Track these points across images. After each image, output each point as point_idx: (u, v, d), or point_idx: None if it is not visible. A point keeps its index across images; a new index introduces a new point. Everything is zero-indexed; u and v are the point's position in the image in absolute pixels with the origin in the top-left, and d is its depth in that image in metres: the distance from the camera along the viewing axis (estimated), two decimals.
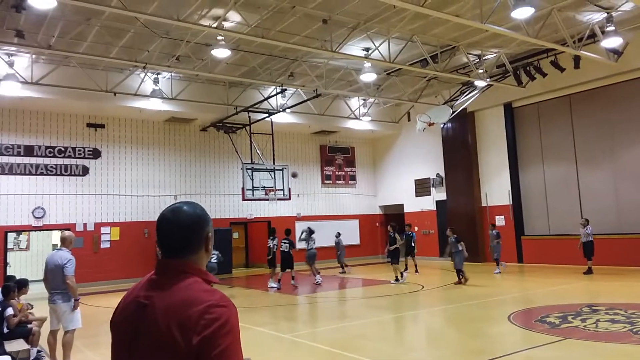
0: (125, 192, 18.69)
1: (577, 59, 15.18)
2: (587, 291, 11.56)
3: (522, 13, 11.17)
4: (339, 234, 19.29)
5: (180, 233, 1.65)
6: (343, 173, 24.43)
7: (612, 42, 13.66)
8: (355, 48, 15.24)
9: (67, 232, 7.02)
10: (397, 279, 14.53)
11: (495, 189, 19.75)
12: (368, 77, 16.69)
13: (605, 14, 13.22)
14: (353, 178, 24.75)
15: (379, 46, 14.51)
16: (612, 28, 13.18)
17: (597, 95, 16.84)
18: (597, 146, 16.87)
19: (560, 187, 17.84)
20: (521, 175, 19.16)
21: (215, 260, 14.04)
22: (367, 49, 15.30)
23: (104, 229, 18.08)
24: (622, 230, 15.99)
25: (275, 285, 14.65)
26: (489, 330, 8.52)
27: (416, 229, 21.79)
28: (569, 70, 15.74)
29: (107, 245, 18.05)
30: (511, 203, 19.12)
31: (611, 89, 16.45)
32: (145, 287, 1.65)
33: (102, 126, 18.46)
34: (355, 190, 24.80)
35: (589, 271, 14.49)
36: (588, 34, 14.11)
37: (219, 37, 12.85)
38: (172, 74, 17.37)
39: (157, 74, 16.71)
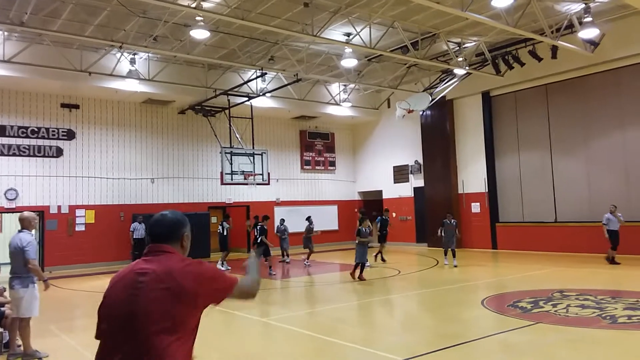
0: (100, 175, 18.37)
1: (554, 49, 15.37)
2: (558, 277, 11.86)
3: (502, 1, 11.24)
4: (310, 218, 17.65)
5: (165, 228, 2.34)
6: (323, 159, 24.44)
7: (589, 33, 13.85)
8: (336, 33, 15.15)
9: (26, 213, 6.55)
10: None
11: (472, 177, 20.03)
12: (349, 62, 16.63)
13: (583, 5, 13.38)
14: (332, 164, 24.79)
15: (360, 31, 14.45)
16: (589, 19, 13.35)
17: (573, 86, 17.12)
18: (571, 136, 17.20)
19: (534, 176, 18.18)
20: (497, 163, 19.45)
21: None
22: (348, 34, 15.23)
23: (78, 212, 17.78)
24: (593, 219, 16.39)
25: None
26: (463, 315, 8.69)
27: (394, 214, 22.00)
28: (546, 60, 15.94)
29: (82, 228, 17.77)
30: (487, 190, 19.43)
31: (587, 80, 16.73)
32: (141, 263, 2.24)
33: (76, 107, 18.04)
34: (335, 176, 24.87)
35: (614, 261, 13.78)
36: (566, 24, 14.29)
37: (198, 18, 12.61)
38: (149, 55, 17.03)
39: (134, 54, 16.37)
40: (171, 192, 19.92)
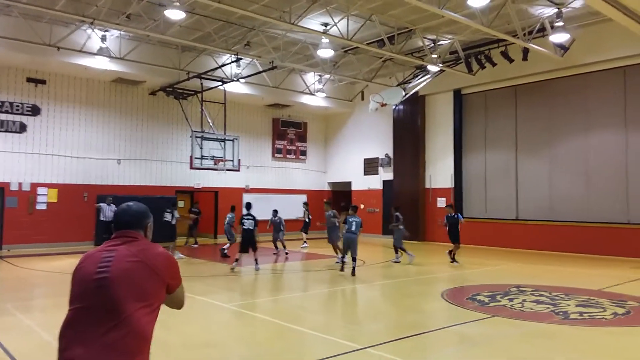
0: (65, 153, 17.91)
1: (525, 51, 15.72)
2: (516, 273, 12.24)
3: (478, 1, 11.41)
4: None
5: (132, 217, 2.47)
6: (294, 148, 24.43)
7: (560, 37, 14.23)
8: (314, 22, 15.10)
9: None
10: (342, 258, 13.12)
11: (439, 172, 20.40)
12: (325, 52, 16.62)
13: (556, 10, 13.71)
14: (304, 153, 24.80)
15: (337, 22, 14.45)
16: (560, 23, 13.70)
17: (541, 88, 17.57)
18: (536, 137, 17.69)
19: (499, 174, 18.65)
20: (464, 160, 19.86)
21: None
22: (325, 24, 15.21)
23: (40, 190, 17.31)
24: (553, 218, 16.96)
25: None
26: (422, 306, 8.91)
27: (362, 206, 22.22)
28: (517, 62, 16.29)
29: (44, 206, 17.31)
30: (453, 186, 19.82)
31: (554, 83, 17.20)
32: (109, 245, 2.35)
33: (43, 82, 17.49)
34: (305, 166, 24.90)
35: None
36: (538, 27, 14.62)
37: None
38: (122, 33, 16.62)
39: (105, 31, 15.96)
40: (138, 174, 19.58)
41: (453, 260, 13.88)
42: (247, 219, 12.37)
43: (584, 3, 13.27)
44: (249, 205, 12.98)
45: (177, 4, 12.54)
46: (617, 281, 10.79)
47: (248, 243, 12.27)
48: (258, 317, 7.94)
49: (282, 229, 16.33)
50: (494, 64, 16.99)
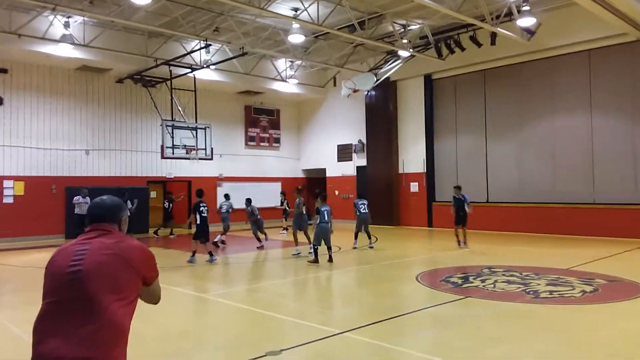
0: (31, 144, 17.37)
1: (493, 36, 15.90)
2: (487, 254, 12.52)
3: None
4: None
5: (106, 210, 2.45)
6: (267, 135, 24.27)
7: (526, 21, 14.43)
8: (283, 7, 14.93)
9: None
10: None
11: (412, 157, 20.61)
12: (296, 38, 16.47)
13: None
14: (277, 141, 24.67)
15: (308, 7, 14.32)
16: (527, 8, 13.88)
17: (509, 73, 17.85)
18: (505, 121, 18.02)
19: (470, 158, 18.96)
20: (436, 144, 20.11)
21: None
22: (295, 9, 15.06)
23: (6, 183, 16.78)
24: (522, 200, 17.37)
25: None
26: (398, 290, 9.04)
27: (336, 192, 22.34)
28: (485, 46, 16.49)
29: (10, 200, 16.81)
30: (425, 171, 20.06)
31: (522, 67, 17.50)
32: (83, 239, 2.32)
33: (4, 71, 16.85)
34: (279, 153, 24.79)
35: None
36: (505, 11, 14.78)
37: None
38: (85, 19, 16.10)
39: (68, 17, 15.43)
40: (107, 165, 19.17)
41: (464, 244, 13.53)
42: (204, 207, 12.00)
43: None
44: (227, 196, 13.86)
45: None
46: (584, 260, 11.15)
47: (202, 232, 11.90)
48: (234, 306, 7.92)
49: (258, 217, 14.95)
50: (463, 49, 17.15)
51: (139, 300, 2.39)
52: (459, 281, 9.08)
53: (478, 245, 14.37)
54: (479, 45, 16.54)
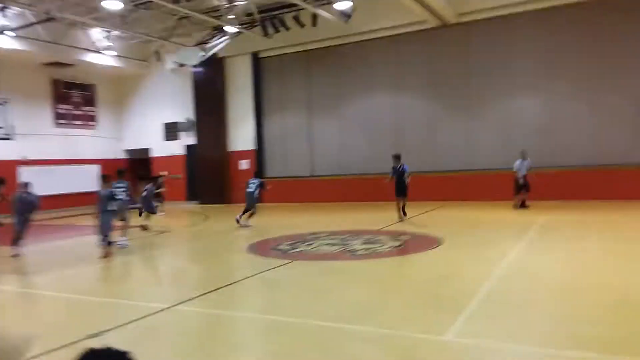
0: None
1: (315, 17, 16.68)
2: (314, 222, 13.30)
3: None
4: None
5: None
6: (81, 113, 22.08)
7: (343, 4, 15.43)
8: None
9: None
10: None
11: (242, 135, 20.75)
12: (112, 5, 15.13)
13: None
14: (93, 119, 22.61)
15: None
16: None
17: (330, 53, 18.98)
18: (327, 99, 19.21)
19: (296, 134, 19.82)
20: (265, 122, 20.54)
21: None
22: None
23: None
24: (343, 172, 18.79)
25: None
26: (229, 261, 9.17)
27: (166, 173, 21.41)
28: (308, 27, 17.22)
29: None
30: (255, 148, 20.40)
31: (341, 49, 18.74)
32: None
33: None
34: (96, 133, 22.75)
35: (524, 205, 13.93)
36: None
37: None
38: None
39: None
40: None
41: (404, 214, 12.66)
42: (119, 189, 10.99)
43: None
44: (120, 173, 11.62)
45: None
46: (393, 221, 12.53)
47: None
48: (49, 296, 7.19)
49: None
50: (287, 28, 17.64)
51: None
52: (287, 248, 9.53)
53: (304, 216, 15.20)
54: (302, 25, 17.19)
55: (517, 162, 14.01)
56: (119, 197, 10.58)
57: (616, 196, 14.29)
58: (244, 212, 13.17)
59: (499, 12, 16.00)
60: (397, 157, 12.89)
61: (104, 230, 9.25)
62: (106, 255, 9.26)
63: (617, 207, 13.12)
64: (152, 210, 13.32)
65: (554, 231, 10.12)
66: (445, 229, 10.75)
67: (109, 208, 9.39)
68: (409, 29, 17.32)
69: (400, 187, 12.63)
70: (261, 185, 13.71)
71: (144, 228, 12.69)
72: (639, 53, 14.63)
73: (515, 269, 7.12)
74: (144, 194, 13.24)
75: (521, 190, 13.93)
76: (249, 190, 13.40)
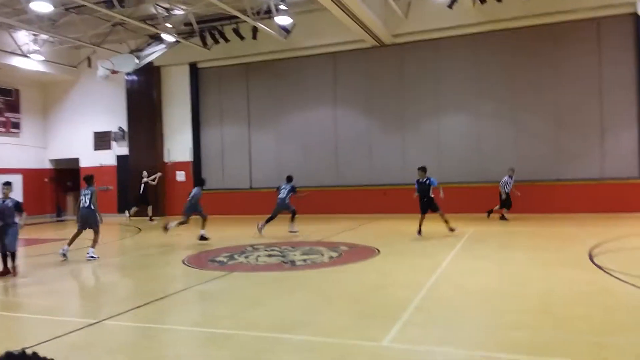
0: None
1: (255, 30, 16.74)
2: (251, 235, 13.16)
3: None
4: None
5: None
6: (4, 119, 20.75)
7: (283, 20, 15.61)
8: None
9: None
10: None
11: (178, 146, 20.29)
12: (41, 7, 14.46)
13: None
14: (16, 126, 21.29)
15: None
16: (284, 7, 15.02)
17: (269, 67, 19.05)
18: (266, 112, 19.21)
19: (235, 146, 19.64)
20: (202, 133, 20.21)
21: None
22: None
23: None
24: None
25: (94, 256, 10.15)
26: (164, 274, 8.87)
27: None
28: (248, 40, 17.25)
29: None
30: (192, 159, 19.98)
31: (281, 63, 18.87)
32: None
33: None
34: (19, 141, 21.44)
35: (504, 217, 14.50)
36: (265, 8, 15.70)
37: None
38: None
39: None
40: None
41: (451, 230, 11.44)
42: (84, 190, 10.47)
43: None
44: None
45: None
46: (333, 233, 12.68)
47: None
48: None
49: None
50: (227, 40, 17.59)
51: None
52: (225, 259, 9.38)
53: (241, 229, 15.01)
54: (242, 38, 17.18)
55: (505, 179, 14.59)
56: (85, 204, 10.23)
57: (537, 210, 15.28)
58: (267, 221, 12.69)
59: (430, 35, 16.81)
60: (423, 170, 11.61)
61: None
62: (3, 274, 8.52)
63: (539, 219, 14.00)
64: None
65: (481, 242, 10.63)
66: (381, 241, 11.02)
67: None
68: (347, 47, 17.75)
69: (426, 202, 11.47)
70: (292, 190, 12.93)
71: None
72: (556, 75, 15.81)
73: (446, 277, 7.40)
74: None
75: (504, 205, 14.52)
76: (280, 196, 12.82)
